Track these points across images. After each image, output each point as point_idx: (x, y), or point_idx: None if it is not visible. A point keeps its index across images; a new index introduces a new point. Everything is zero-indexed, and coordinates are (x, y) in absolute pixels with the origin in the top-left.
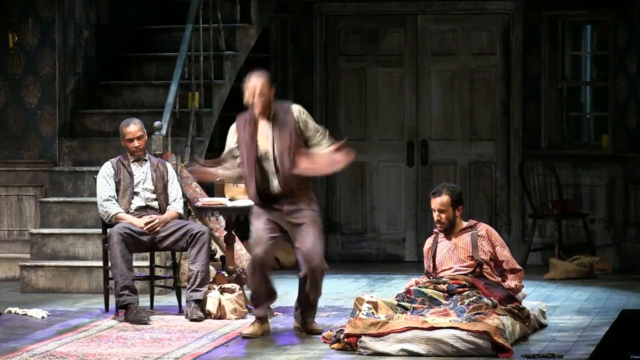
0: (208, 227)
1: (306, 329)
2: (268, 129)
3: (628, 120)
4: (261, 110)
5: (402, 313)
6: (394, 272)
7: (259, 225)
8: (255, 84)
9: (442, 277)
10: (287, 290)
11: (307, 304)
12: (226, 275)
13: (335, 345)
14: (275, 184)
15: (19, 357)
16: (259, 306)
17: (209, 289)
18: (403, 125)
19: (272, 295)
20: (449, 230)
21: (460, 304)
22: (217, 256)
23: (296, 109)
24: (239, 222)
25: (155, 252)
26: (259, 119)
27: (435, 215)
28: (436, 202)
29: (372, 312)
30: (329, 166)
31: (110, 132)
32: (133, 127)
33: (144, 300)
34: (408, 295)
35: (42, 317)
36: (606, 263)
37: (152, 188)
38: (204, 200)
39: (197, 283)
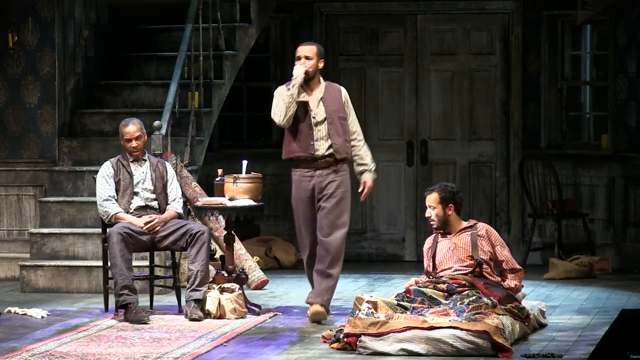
0: (208, 227)
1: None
2: (318, 97)
3: (628, 120)
4: (309, 71)
5: (402, 313)
6: (393, 271)
7: (300, 219)
8: (303, 48)
9: (441, 276)
10: (287, 290)
11: (319, 281)
12: (226, 275)
13: (334, 345)
14: (323, 148)
15: (19, 357)
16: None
17: (209, 288)
18: (403, 125)
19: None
20: (443, 229)
21: (460, 304)
22: (217, 256)
23: (344, 91)
24: (238, 221)
25: (155, 252)
26: (307, 87)
27: (426, 212)
28: (427, 199)
29: (372, 312)
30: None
31: (110, 131)
32: (131, 127)
33: (143, 300)
34: (408, 295)
35: (42, 317)
36: (606, 263)
37: (152, 188)
38: (204, 200)
39: (196, 283)
